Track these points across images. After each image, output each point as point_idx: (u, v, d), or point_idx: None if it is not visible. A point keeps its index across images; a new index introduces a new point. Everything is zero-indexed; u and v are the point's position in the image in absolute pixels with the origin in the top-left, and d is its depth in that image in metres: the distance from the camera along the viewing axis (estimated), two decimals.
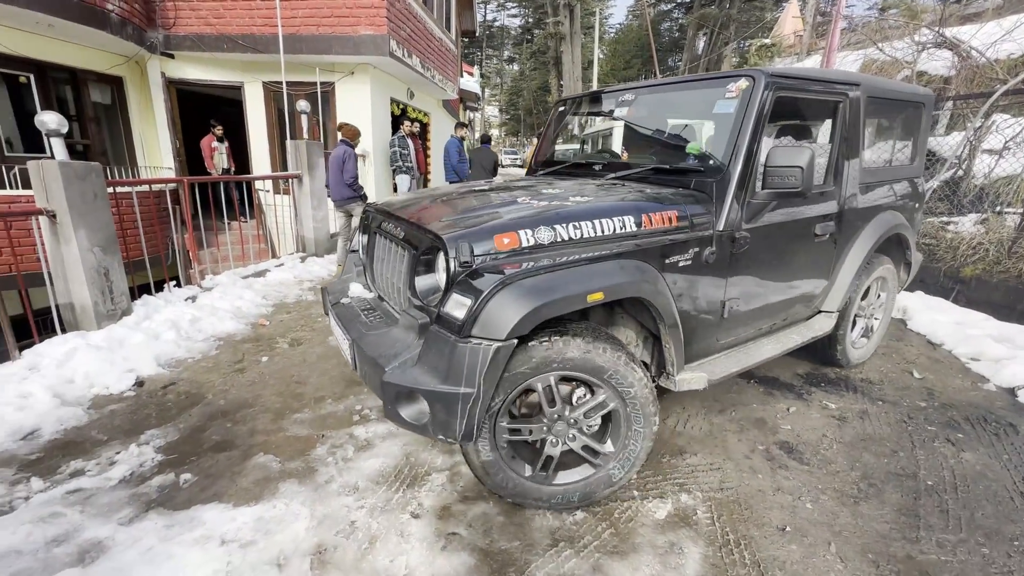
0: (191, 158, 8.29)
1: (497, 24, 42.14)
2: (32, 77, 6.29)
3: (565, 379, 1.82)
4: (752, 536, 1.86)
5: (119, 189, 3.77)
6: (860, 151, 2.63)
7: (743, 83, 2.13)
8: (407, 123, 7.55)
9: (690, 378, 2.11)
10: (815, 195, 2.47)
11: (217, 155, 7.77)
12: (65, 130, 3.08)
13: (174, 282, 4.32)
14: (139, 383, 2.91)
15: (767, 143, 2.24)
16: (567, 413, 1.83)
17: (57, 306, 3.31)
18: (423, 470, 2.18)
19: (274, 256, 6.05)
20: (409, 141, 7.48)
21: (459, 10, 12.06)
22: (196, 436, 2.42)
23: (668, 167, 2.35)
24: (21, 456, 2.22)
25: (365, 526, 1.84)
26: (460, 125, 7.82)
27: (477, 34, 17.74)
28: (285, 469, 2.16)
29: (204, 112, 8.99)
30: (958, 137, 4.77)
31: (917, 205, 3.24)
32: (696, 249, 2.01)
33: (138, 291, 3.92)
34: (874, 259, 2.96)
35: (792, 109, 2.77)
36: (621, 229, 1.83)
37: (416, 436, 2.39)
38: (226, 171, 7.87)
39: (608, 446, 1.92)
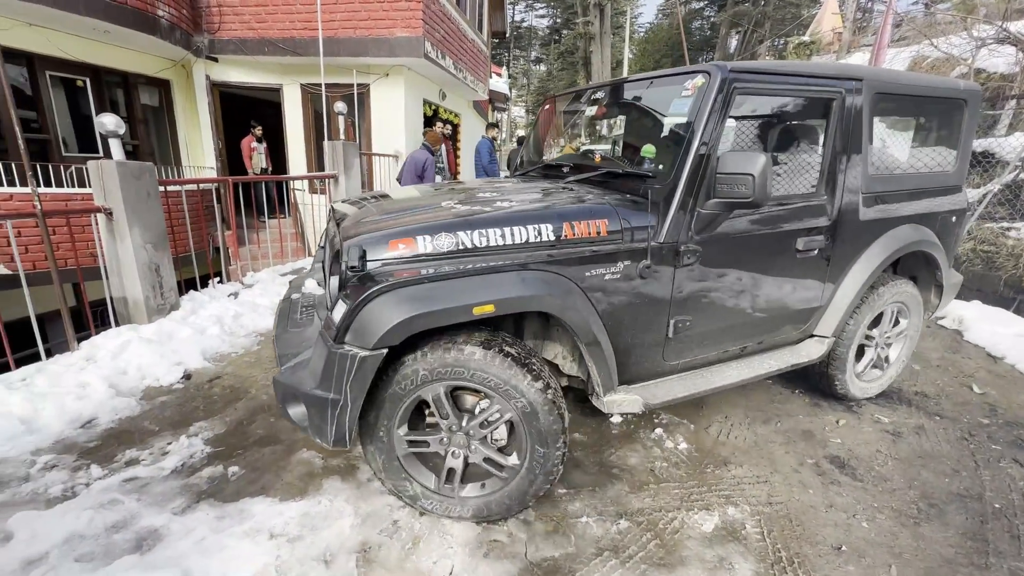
0: (231, 158, 8.57)
1: (525, 25, 42.15)
2: (88, 81, 6.61)
3: (470, 390, 1.78)
4: (806, 554, 1.79)
5: (169, 188, 3.91)
6: (864, 156, 2.30)
7: (699, 80, 1.90)
8: (439, 124, 7.61)
9: (621, 400, 1.96)
10: (797, 206, 2.19)
11: (256, 155, 8.01)
12: (122, 131, 3.22)
13: (217, 278, 4.46)
14: (187, 376, 3.01)
15: (744, 151, 2.14)
16: (465, 424, 1.78)
17: (111, 299, 3.46)
18: None
19: (309, 254, 6.19)
20: (442, 146, 7.53)
21: (490, 11, 12.09)
22: (242, 429, 2.49)
23: (620, 171, 2.18)
24: (80, 444, 2.32)
25: (408, 526, 1.85)
26: (491, 126, 7.84)
27: (507, 35, 17.77)
28: (328, 466, 2.19)
29: (242, 113, 9.29)
30: (1022, 138, 4.50)
31: (955, 219, 2.76)
32: (627, 262, 1.84)
33: (184, 286, 4.06)
34: (888, 280, 2.63)
35: (775, 108, 2.51)
36: (535, 238, 1.71)
37: None
38: (264, 171, 8.10)
39: (513, 459, 1.82)
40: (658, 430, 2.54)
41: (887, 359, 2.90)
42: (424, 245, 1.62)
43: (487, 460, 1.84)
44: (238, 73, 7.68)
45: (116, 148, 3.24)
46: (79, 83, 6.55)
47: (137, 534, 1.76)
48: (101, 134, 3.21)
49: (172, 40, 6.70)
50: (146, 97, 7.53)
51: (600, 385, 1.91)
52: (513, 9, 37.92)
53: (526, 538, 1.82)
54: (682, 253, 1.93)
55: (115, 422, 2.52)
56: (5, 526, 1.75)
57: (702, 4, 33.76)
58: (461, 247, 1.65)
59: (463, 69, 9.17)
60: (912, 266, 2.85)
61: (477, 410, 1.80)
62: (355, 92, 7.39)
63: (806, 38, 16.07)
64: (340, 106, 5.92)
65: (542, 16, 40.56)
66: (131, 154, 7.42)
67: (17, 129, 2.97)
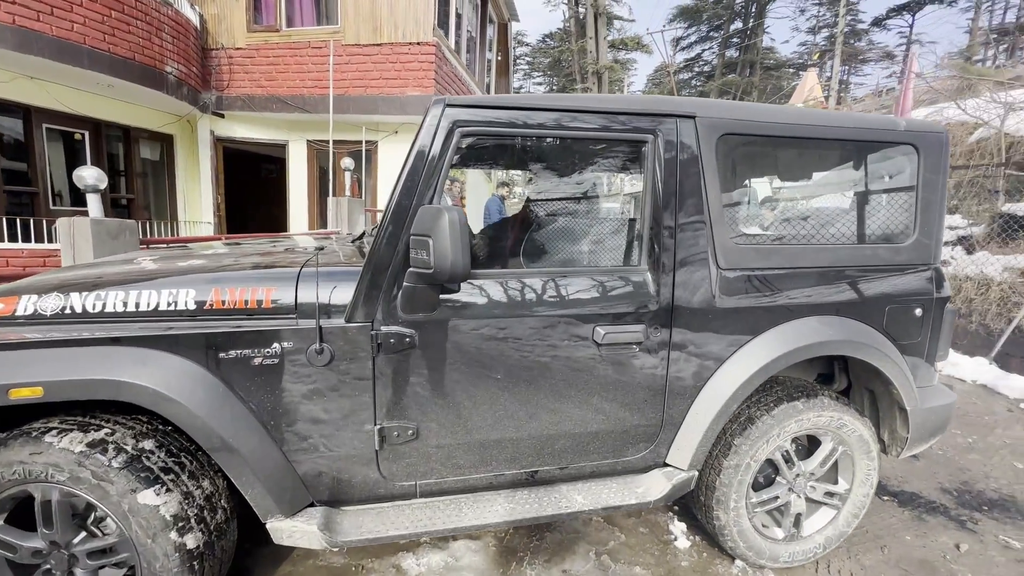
0: (230, 214, 8.31)
1: (524, 91, 44.40)
2: (87, 134, 6.41)
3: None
4: None
5: (154, 247, 3.51)
6: (713, 217, 1.69)
7: (430, 115, 1.49)
8: (448, 182, 7.42)
9: (291, 529, 1.51)
10: (590, 283, 1.63)
11: None
12: (103, 186, 2.86)
13: None
14: None
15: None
16: (73, 541, 1.45)
17: None
18: None
19: None
20: (448, 199, 7.32)
21: (497, 76, 12.44)
22: None
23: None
24: None
25: None
26: (503, 184, 7.67)
27: None
28: None
29: (244, 168, 9.16)
30: None
31: (920, 310, 1.93)
32: (290, 343, 1.45)
33: None
34: (798, 400, 1.84)
35: (558, 156, 1.95)
36: (168, 306, 1.45)
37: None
38: None
39: None
40: (737, 564, 1.99)
41: (797, 523, 1.97)
42: (25, 306, 1.43)
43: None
44: (244, 129, 7.56)
45: (94, 204, 2.86)
46: (77, 136, 6.34)
47: None
48: (81, 188, 2.84)
49: (179, 96, 6.59)
50: (147, 151, 7.35)
51: (255, 505, 1.50)
52: (512, 77, 40.00)
53: None
54: (383, 337, 1.48)
55: None
56: None
57: (691, 75, 35.75)
58: (70, 311, 1.42)
59: None
60: (864, 378, 2.10)
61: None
62: (363, 149, 7.25)
63: (800, 105, 16.67)
64: (348, 162, 5.70)
65: (539, 84, 42.79)
66: (125, 208, 7.14)
67: None
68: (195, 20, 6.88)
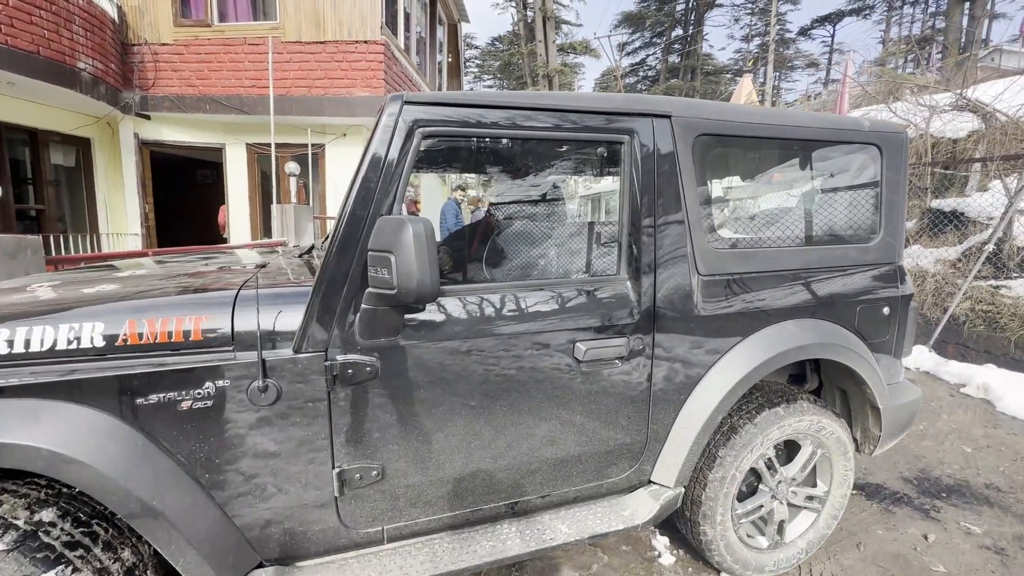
0: (161, 224, 7.63)
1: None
2: None
3: None
4: None
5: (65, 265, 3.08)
6: (691, 221, 1.61)
7: (386, 114, 1.30)
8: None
9: None
10: (565, 295, 1.51)
11: None
12: None
13: None
14: None
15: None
16: None
17: None
18: None
19: None
20: (403, 206, 7.04)
21: (449, 78, 12.23)
22: None
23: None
24: None
25: None
26: (459, 187, 7.48)
27: None
28: None
29: (177, 174, 8.46)
30: (989, 197, 4.59)
31: (887, 308, 1.94)
32: (225, 382, 1.22)
33: None
34: (779, 405, 1.79)
35: (528, 156, 1.82)
36: (70, 343, 1.17)
37: None
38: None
39: None
40: None
41: (780, 529, 1.95)
42: None
43: None
44: (173, 131, 6.95)
45: None
46: None
47: None
48: None
49: (95, 95, 5.95)
50: (59, 157, 6.59)
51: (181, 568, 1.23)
52: (463, 79, 39.77)
53: None
54: (339, 368, 1.29)
55: None
56: None
57: (637, 79, 36.88)
58: None
59: None
60: (836, 378, 2.08)
61: None
62: (309, 152, 6.85)
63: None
64: (292, 167, 5.34)
65: (489, 86, 42.78)
66: (34, 220, 6.37)
67: None
68: (112, 12, 6.25)
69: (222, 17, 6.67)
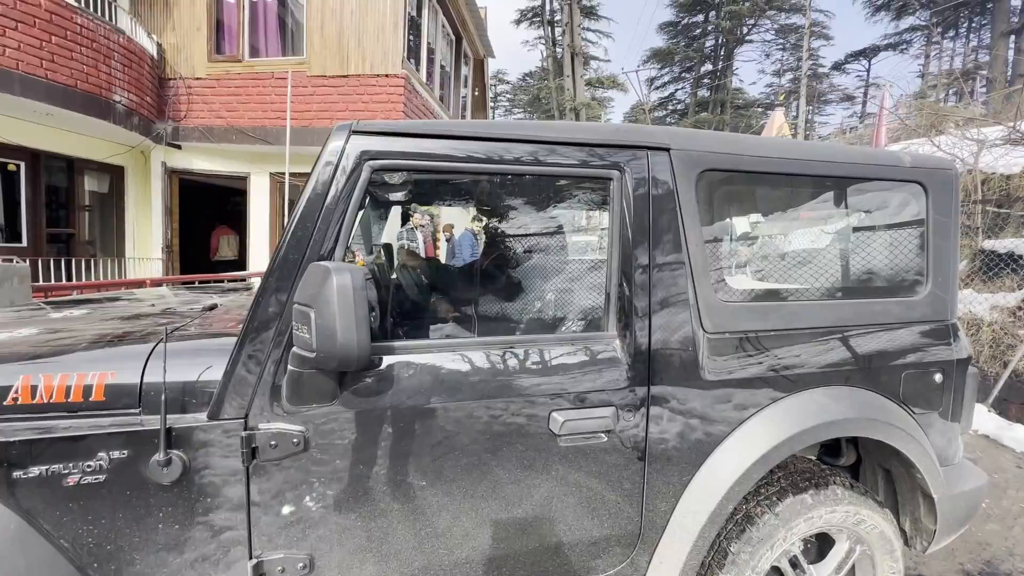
0: (184, 249, 7.81)
1: None
2: (23, 165, 5.93)
3: None
4: None
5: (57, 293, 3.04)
6: (688, 271, 1.36)
7: (330, 144, 1.16)
8: (417, 215, 7.11)
9: None
10: (551, 353, 1.29)
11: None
12: None
13: None
14: None
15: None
16: None
17: None
18: None
19: None
20: (418, 233, 6.99)
21: (474, 111, 12.42)
22: None
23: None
24: None
25: None
26: (476, 218, 7.39)
27: None
28: None
29: (203, 202, 8.73)
30: None
31: (940, 375, 1.60)
32: (120, 452, 1.04)
33: None
34: (806, 492, 1.48)
35: (505, 196, 1.62)
36: None
37: None
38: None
39: None
40: None
41: None
42: None
43: None
44: (202, 160, 7.18)
45: None
46: (11, 166, 5.85)
47: None
48: None
49: (129, 126, 6.20)
50: (94, 183, 6.87)
51: None
52: (493, 113, 40.86)
53: None
54: (260, 439, 1.09)
55: None
56: None
57: (666, 112, 36.96)
58: None
59: None
60: (877, 454, 1.72)
61: None
62: None
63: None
64: None
65: (519, 119, 43.72)
66: (64, 243, 6.60)
67: None
68: (151, 49, 6.59)
69: (253, 53, 6.94)
